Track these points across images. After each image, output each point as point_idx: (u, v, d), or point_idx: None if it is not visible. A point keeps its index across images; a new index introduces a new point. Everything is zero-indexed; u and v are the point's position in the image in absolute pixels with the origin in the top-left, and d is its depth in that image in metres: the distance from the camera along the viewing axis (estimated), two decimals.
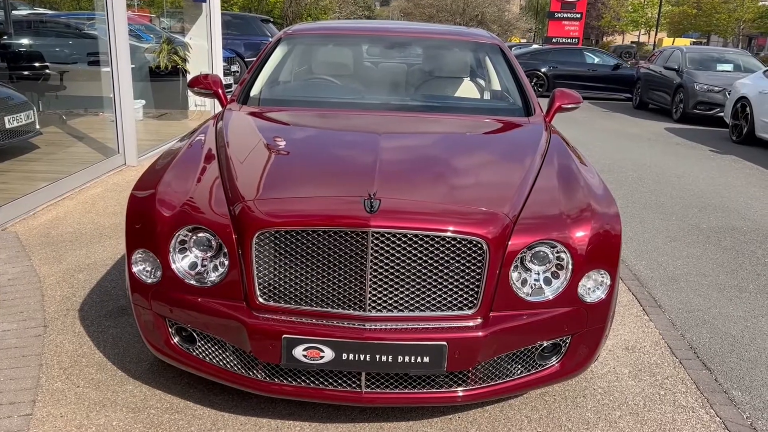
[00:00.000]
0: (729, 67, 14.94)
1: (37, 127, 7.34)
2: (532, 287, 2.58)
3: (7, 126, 6.75)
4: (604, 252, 2.64)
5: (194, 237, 2.58)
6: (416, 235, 2.42)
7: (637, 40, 63.20)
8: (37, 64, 9.02)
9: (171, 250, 2.58)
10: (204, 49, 10.24)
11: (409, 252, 2.43)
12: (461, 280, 2.48)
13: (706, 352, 3.59)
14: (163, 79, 10.45)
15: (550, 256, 2.58)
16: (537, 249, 2.56)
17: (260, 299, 2.50)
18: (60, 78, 9.39)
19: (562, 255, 2.58)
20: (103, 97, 8.08)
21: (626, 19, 55.03)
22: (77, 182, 6.28)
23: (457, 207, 2.55)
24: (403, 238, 2.42)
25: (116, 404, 2.81)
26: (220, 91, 4.10)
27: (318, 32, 4.63)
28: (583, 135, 11.34)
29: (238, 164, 2.84)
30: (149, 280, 2.65)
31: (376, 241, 2.41)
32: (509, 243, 2.50)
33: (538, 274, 2.60)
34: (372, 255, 2.42)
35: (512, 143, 3.44)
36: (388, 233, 2.41)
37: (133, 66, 10.56)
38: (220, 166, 2.88)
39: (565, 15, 29.74)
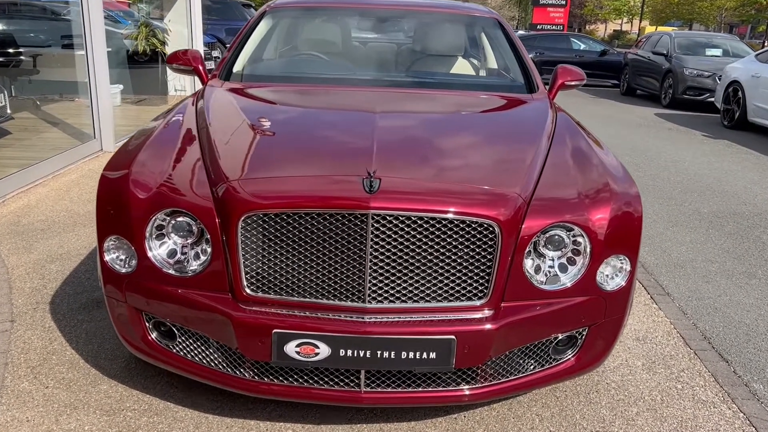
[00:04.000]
0: (718, 52, 14.80)
1: (8, 111, 7.00)
2: (546, 275, 2.34)
3: None
4: (624, 235, 2.41)
5: (173, 221, 2.32)
6: (421, 218, 2.17)
7: (619, 28, 63.19)
8: (9, 49, 8.63)
9: (147, 236, 2.32)
10: (183, 34, 9.89)
11: (414, 236, 2.19)
12: (471, 268, 2.24)
13: (721, 343, 3.39)
14: (141, 65, 10.08)
15: (566, 240, 2.35)
16: (552, 233, 2.32)
17: (247, 290, 2.25)
18: (33, 62, 9.00)
19: (580, 239, 2.35)
20: (78, 82, 7.73)
21: (609, 7, 54.95)
22: (50, 168, 5.97)
23: (465, 187, 2.30)
24: (407, 221, 2.17)
25: (89, 406, 2.54)
26: (200, 67, 3.81)
27: (304, 5, 4.35)
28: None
29: (222, 143, 2.57)
30: (123, 270, 2.39)
31: (376, 224, 2.16)
32: (522, 226, 2.26)
33: (553, 260, 2.36)
34: (372, 240, 2.17)
35: (518, 120, 3.18)
36: (391, 215, 2.16)
37: (110, 50, 10.22)
38: (201, 145, 2.61)
39: (550, 2, 29.54)
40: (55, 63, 9.28)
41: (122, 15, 13.16)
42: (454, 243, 2.21)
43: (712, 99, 12.62)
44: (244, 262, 2.23)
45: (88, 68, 6.69)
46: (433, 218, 2.18)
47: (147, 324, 2.45)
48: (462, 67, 4.36)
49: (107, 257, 2.41)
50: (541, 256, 2.35)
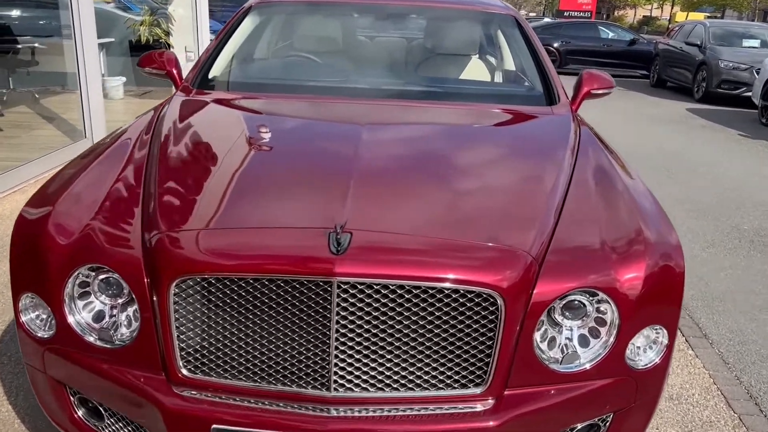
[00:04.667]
0: (756, 42, 14.02)
1: None
2: (562, 350, 1.86)
3: None
4: (662, 300, 1.92)
5: (99, 278, 1.87)
6: (401, 286, 1.70)
7: (649, 14, 61.68)
8: (5, 38, 8.25)
9: (66, 295, 1.87)
10: (188, 22, 9.43)
11: (392, 309, 1.72)
12: (465, 347, 1.77)
13: None
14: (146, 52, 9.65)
15: (589, 307, 1.86)
16: (570, 298, 1.84)
17: (183, 371, 1.79)
18: (31, 53, 8.62)
19: (605, 306, 1.86)
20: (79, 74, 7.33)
21: None
22: (34, 171, 5.57)
23: (459, 244, 1.81)
24: (383, 290, 1.70)
25: None
26: (174, 71, 3.35)
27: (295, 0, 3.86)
28: (598, 116, 10.51)
29: (169, 175, 2.11)
30: (42, 334, 1.95)
31: (344, 294, 1.69)
32: (533, 292, 1.78)
33: (571, 330, 1.88)
34: (339, 313, 1.70)
35: (533, 145, 2.64)
36: (361, 283, 1.69)
37: (113, 40, 9.83)
38: (145, 178, 2.15)
39: None
40: (56, 54, 8.89)
41: (134, 1, 12.73)
42: (443, 317, 1.73)
43: (749, 94, 11.89)
44: (178, 336, 1.77)
45: (78, 58, 6.25)
46: (416, 287, 1.70)
47: (72, 399, 2.01)
48: (475, 68, 3.85)
49: (23, 318, 1.97)
50: (555, 325, 1.86)
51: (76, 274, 1.86)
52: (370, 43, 4.27)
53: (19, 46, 8.47)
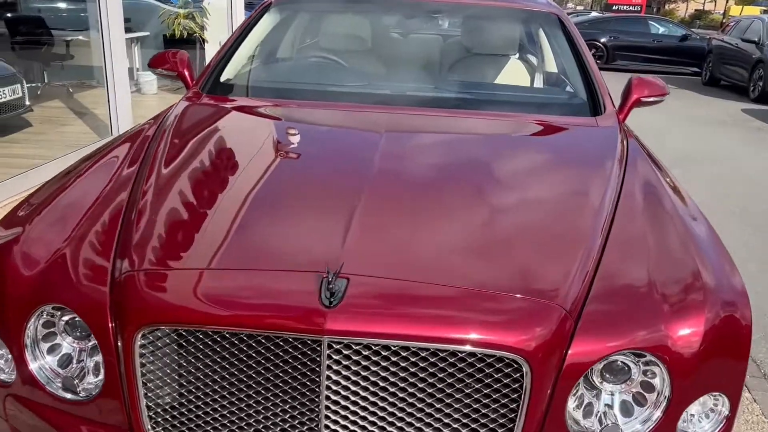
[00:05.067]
0: None
1: (27, 102, 6.52)
2: (600, 421, 1.56)
3: None
4: (724, 362, 1.60)
5: (63, 318, 1.64)
6: (406, 348, 1.42)
7: (702, 8, 59.83)
8: (40, 31, 8.19)
9: (28, 338, 1.64)
10: (225, 14, 9.23)
11: (393, 373, 1.44)
12: (483, 420, 1.48)
13: None
14: (180, 47, 9.50)
15: (634, 369, 1.56)
16: (612, 359, 1.53)
17: None
18: (66, 46, 8.55)
19: (655, 369, 1.55)
20: None
21: None
22: (55, 170, 5.41)
23: (478, 293, 1.51)
24: (383, 352, 1.42)
25: None
26: (186, 73, 3.11)
27: None
28: (645, 117, 10.00)
29: (154, 199, 1.86)
30: (4, 377, 1.72)
31: (336, 356, 1.42)
32: (567, 354, 1.48)
33: (612, 396, 1.58)
34: (330, 377, 1.43)
35: (572, 166, 2.31)
36: (357, 343, 1.41)
37: (148, 34, 9.72)
38: (129, 200, 1.90)
39: None
40: (90, 47, 8.82)
41: None
42: (456, 383, 1.45)
43: None
44: (144, 393, 1.52)
45: (104, 52, 6.08)
46: (425, 349, 1.42)
47: None
48: (514, 70, 3.52)
49: None
50: (593, 388, 1.56)
51: (39, 312, 1.63)
52: (400, 44, 3.97)
53: (54, 39, 8.41)
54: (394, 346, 1.41)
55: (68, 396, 1.62)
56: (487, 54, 3.53)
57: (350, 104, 2.71)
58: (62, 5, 9.44)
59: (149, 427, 1.54)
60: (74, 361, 1.65)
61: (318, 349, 1.41)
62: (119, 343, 1.51)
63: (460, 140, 2.49)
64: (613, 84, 2.83)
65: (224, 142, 2.35)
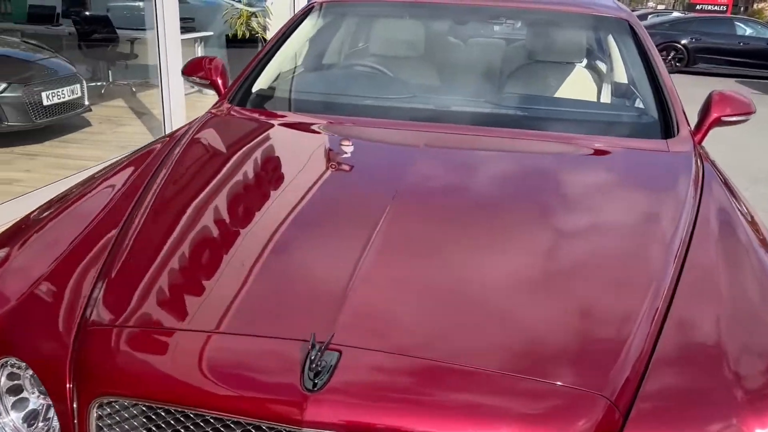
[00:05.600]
0: None
1: (86, 102, 6.54)
2: None
3: (45, 102, 5.94)
4: None
5: (29, 371, 1.44)
6: None
7: None
8: (105, 30, 8.25)
9: None
10: (288, 15, 9.12)
11: None
12: None
13: None
14: (241, 46, 9.43)
15: None
16: None
17: None
18: (131, 45, 8.60)
19: None
20: None
21: None
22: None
23: (500, 378, 1.22)
24: None
25: None
26: (219, 81, 2.91)
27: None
28: (726, 128, 9.36)
29: (139, 242, 1.63)
30: None
31: None
32: None
33: None
34: None
35: (634, 206, 1.93)
36: None
37: (212, 34, 9.69)
38: (119, 235, 1.68)
39: None
40: (154, 46, 8.87)
41: None
42: None
43: None
44: None
45: (158, 51, 6.01)
46: None
47: None
48: (580, 79, 3.18)
49: None
50: None
51: (2, 362, 1.43)
52: (456, 50, 3.67)
53: (119, 39, 8.45)
54: None
55: None
56: (550, 62, 3.21)
57: (388, 121, 2.44)
58: (128, 4, 9.53)
59: None
60: (41, 417, 1.45)
61: None
62: (75, 413, 1.29)
63: (506, 167, 2.19)
64: (691, 90, 2.46)
65: (232, 170, 2.11)
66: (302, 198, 1.82)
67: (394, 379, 1.19)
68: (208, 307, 1.35)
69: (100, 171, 2.19)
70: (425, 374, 1.20)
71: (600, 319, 1.39)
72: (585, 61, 3.46)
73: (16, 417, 1.47)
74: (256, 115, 2.57)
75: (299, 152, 2.23)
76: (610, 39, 3.39)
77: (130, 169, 2.11)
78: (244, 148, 2.30)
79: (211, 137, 2.34)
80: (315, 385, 1.15)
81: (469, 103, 2.66)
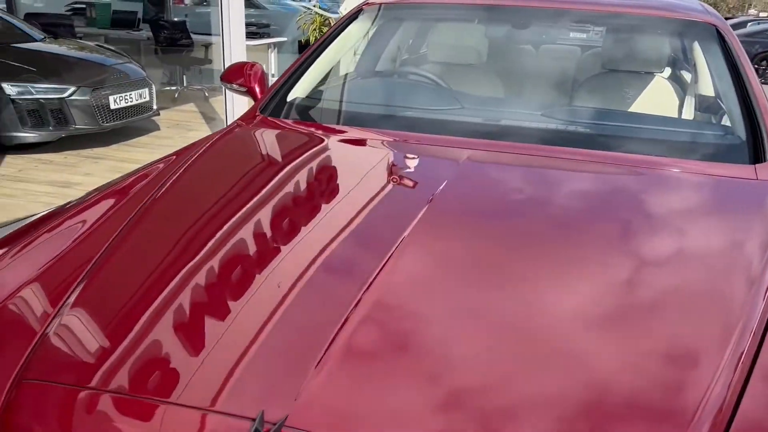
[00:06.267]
0: None
1: (154, 106, 6.57)
2: None
3: (113, 106, 6.00)
4: None
5: None
6: None
7: None
8: (181, 36, 8.33)
9: None
10: None
11: None
12: None
13: None
14: None
15: None
16: None
17: None
18: (205, 50, 8.65)
19: None
20: None
21: None
22: None
23: None
24: None
25: None
26: (256, 88, 2.71)
27: (420, 1, 3.06)
28: None
29: (102, 280, 1.41)
30: None
31: None
32: None
33: None
34: None
35: (714, 239, 1.60)
36: None
37: (286, 39, 9.67)
38: (92, 267, 1.47)
39: None
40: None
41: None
42: None
43: None
44: None
45: (223, 56, 5.95)
46: None
47: None
48: (659, 92, 2.81)
49: None
50: None
51: None
52: (523, 58, 3.36)
53: (194, 44, 8.52)
54: None
55: None
56: (627, 71, 2.86)
57: (421, 135, 2.16)
58: (204, 10, 9.62)
59: None
60: None
61: None
62: None
63: (572, 191, 1.87)
64: None
65: (230, 187, 1.87)
66: (296, 224, 1.57)
67: None
68: (145, 365, 1.11)
69: (107, 184, 2.01)
70: None
71: (678, 368, 1.09)
72: (666, 71, 3.08)
73: None
74: (285, 126, 2.35)
75: (315, 165, 1.99)
76: (696, 46, 2.99)
77: (139, 180, 1.91)
78: (257, 162, 2.08)
79: (223, 153, 2.13)
80: None
81: (533, 118, 2.35)
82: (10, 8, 8.73)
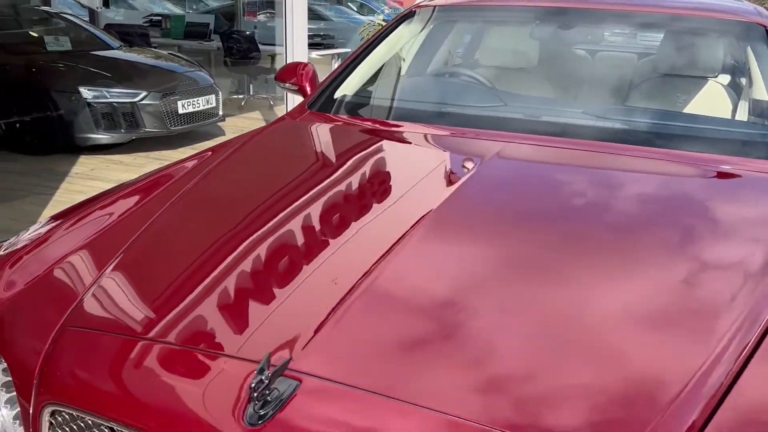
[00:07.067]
0: None
1: (220, 112, 6.82)
2: None
3: (181, 111, 6.26)
4: None
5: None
6: None
7: None
8: (248, 46, 8.61)
9: None
10: None
11: None
12: None
13: None
14: None
15: None
16: None
17: None
18: (272, 60, 8.91)
19: None
20: None
21: None
22: None
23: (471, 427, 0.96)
24: None
25: None
26: (307, 87, 2.82)
27: (473, 3, 3.12)
28: None
29: (149, 245, 1.53)
30: None
31: None
32: None
33: None
34: None
35: (738, 246, 1.55)
36: None
37: (349, 50, 9.83)
38: (130, 245, 1.57)
39: None
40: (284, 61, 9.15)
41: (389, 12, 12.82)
42: None
43: None
44: None
45: (287, 62, 6.12)
46: None
47: None
48: (712, 96, 2.78)
49: None
50: None
51: None
52: (577, 65, 3.36)
53: (261, 54, 8.79)
54: None
55: None
56: (678, 75, 2.83)
57: (460, 128, 2.21)
58: (272, 23, 9.91)
59: None
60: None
61: None
62: (31, 410, 1.20)
63: (603, 189, 1.88)
64: None
65: (265, 173, 1.96)
66: (314, 200, 1.65)
67: (359, 423, 0.98)
68: (176, 317, 1.20)
69: (158, 169, 2.14)
70: (393, 418, 0.97)
71: (659, 372, 1.09)
72: (720, 75, 3.04)
73: (6, 413, 1.40)
74: (331, 119, 2.44)
75: (360, 151, 2.07)
76: (749, 50, 2.94)
77: (187, 166, 2.03)
78: (301, 146, 2.18)
79: (268, 140, 2.24)
80: (261, 417, 0.96)
81: (582, 116, 2.36)
82: (92, 19, 9.22)
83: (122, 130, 5.98)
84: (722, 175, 1.95)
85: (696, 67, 2.79)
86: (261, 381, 0.95)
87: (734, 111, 2.81)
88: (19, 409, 1.35)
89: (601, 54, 3.71)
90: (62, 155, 5.81)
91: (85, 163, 5.71)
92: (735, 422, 0.98)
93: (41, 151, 5.88)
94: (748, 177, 1.93)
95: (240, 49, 8.66)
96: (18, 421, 1.37)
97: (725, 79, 3.05)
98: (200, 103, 6.48)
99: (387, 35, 2.94)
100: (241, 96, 8.80)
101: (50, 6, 8.03)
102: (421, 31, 3.12)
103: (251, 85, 8.94)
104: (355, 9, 12.64)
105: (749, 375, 1.07)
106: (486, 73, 2.82)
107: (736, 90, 2.97)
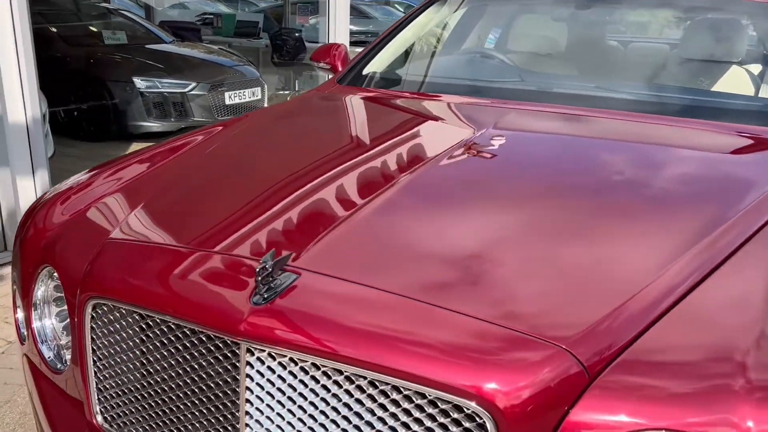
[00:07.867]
0: None
1: (265, 104, 7.07)
2: None
3: (227, 102, 6.53)
4: None
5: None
6: (338, 371, 1.08)
7: None
8: (294, 43, 8.87)
9: (34, 293, 1.60)
10: None
11: (324, 400, 1.11)
12: None
13: None
14: None
15: None
16: None
17: (98, 418, 1.39)
18: None
19: None
20: None
21: None
22: None
23: (450, 315, 1.11)
24: (312, 371, 1.10)
25: None
26: (339, 66, 2.99)
27: None
28: None
29: (184, 179, 1.73)
30: (23, 331, 1.71)
31: (258, 365, 1.13)
32: (569, 412, 1.02)
33: None
34: (250, 392, 1.14)
35: (704, 189, 1.66)
36: (281, 354, 1.11)
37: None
38: (170, 181, 1.77)
39: None
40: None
41: None
42: (400, 426, 1.07)
43: None
44: (95, 373, 1.37)
45: None
46: (360, 376, 1.07)
47: None
48: (735, 79, 2.85)
49: (19, 314, 1.76)
50: None
51: (45, 272, 1.58)
52: (606, 55, 3.45)
53: (306, 51, 9.04)
54: (323, 366, 1.08)
55: (50, 366, 1.54)
56: (700, 60, 2.90)
57: (495, 99, 2.34)
58: (316, 19, 10.16)
59: (98, 410, 1.38)
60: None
61: (237, 353, 1.14)
62: (76, 307, 1.39)
63: (602, 142, 2.01)
64: None
65: (293, 129, 2.16)
66: (348, 149, 1.83)
67: (338, 303, 1.13)
68: (202, 230, 1.39)
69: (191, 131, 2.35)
70: (383, 306, 1.13)
71: (604, 279, 1.22)
72: (743, 60, 3.09)
73: (48, 322, 1.60)
74: (361, 91, 2.60)
75: (387, 113, 2.26)
76: None
77: (208, 131, 2.24)
78: (330, 110, 2.36)
79: (301, 103, 2.42)
80: (265, 298, 1.13)
81: (614, 92, 2.47)
82: (148, 16, 9.63)
83: (172, 119, 6.27)
84: (746, 138, 2.05)
85: (717, 52, 2.85)
86: (264, 268, 1.12)
87: (756, 95, 2.87)
88: (68, 320, 1.55)
89: (634, 45, 3.78)
90: (116, 142, 6.12)
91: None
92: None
93: (97, 138, 6.22)
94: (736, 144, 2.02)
95: (288, 48, 8.93)
96: (66, 332, 1.57)
97: (749, 63, 3.11)
98: (246, 95, 6.74)
99: (416, 17, 3.10)
100: (287, 92, 9.07)
101: (109, 3, 8.43)
102: (453, 13, 3.27)
103: (296, 82, 9.21)
104: (402, 10, 12.84)
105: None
106: (517, 59, 2.94)
107: (761, 74, 3.02)
